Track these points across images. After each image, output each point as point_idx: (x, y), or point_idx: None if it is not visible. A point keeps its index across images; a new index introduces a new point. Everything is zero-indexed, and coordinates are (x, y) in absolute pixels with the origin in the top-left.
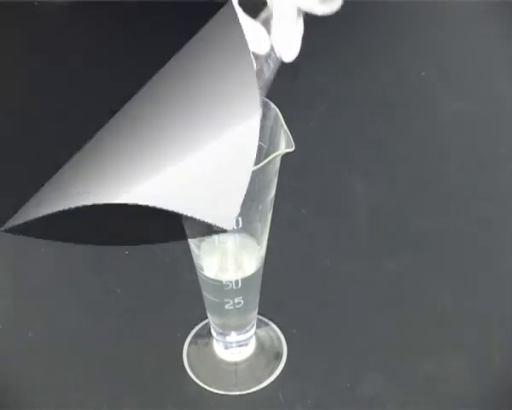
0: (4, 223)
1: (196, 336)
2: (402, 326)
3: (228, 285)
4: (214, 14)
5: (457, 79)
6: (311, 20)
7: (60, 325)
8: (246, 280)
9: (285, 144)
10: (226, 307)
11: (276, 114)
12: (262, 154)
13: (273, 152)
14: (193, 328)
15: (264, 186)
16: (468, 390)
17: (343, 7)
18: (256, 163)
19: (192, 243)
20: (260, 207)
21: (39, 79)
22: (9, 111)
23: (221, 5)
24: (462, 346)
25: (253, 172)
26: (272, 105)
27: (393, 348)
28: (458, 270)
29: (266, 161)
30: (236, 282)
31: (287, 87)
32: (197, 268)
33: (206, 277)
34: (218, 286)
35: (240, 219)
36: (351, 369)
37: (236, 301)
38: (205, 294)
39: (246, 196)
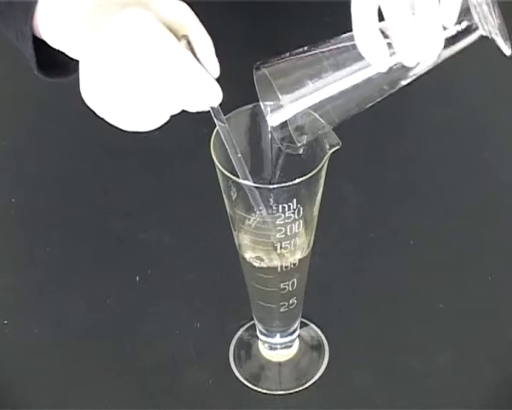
0: None
1: (242, 337)
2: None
3: (284, 288)
4: None
5: (444, 86)
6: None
7: (67, 323)
8: (299, 282)
9: (329, 144)
10: (281, 309)
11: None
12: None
13: (317, 153)
14: (239, 329)
15: (319, 186)
16: (453, 385)
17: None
18: (298, 168)
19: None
20: (314, 208)
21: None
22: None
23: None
24: (448, 342)
25: (312, 176)
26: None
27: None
28: (446, 268)
29: (322, 163)
30: (292, 284)
31: None
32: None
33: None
34: (274, 291)
35: (298, 223)
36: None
37: (291, 302)
38: (257, 301)
39: (304, 201)
